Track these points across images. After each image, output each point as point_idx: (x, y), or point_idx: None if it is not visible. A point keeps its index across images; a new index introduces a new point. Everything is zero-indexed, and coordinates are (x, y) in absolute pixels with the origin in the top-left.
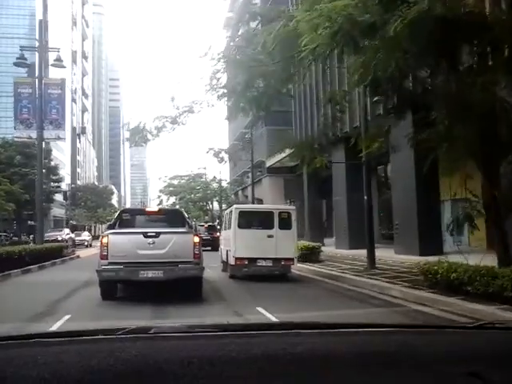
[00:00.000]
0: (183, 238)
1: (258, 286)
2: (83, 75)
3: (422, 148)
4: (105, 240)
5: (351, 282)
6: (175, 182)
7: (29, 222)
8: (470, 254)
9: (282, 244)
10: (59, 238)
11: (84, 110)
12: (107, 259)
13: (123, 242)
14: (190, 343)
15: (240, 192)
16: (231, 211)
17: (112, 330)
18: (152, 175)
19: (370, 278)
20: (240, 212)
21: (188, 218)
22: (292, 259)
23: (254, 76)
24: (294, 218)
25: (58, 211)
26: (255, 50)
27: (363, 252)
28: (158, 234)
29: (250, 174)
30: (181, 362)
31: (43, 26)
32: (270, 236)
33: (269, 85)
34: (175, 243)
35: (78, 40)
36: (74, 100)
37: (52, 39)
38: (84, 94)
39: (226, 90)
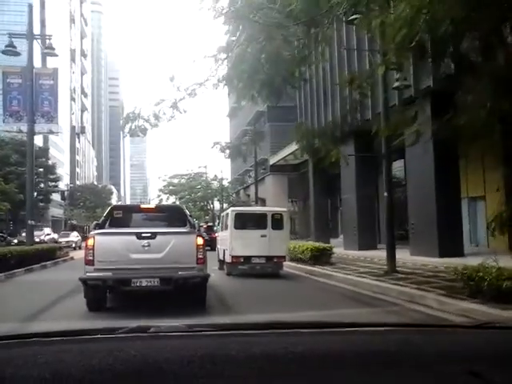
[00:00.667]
0: (184, 239)
1: (266, 293)
2: (82, 74)
3: (449, 137)
4: (90, 242)
5: (373, 289)
6: (175, 181)
7: (29, 222)
8: (491, 255)
9: (275, 243)
10: (37, 240)
11: (83, 109)
12: (93, 265)
13: (112, 245)
14: (190, 342)
15: (242, 191)
16: (227, 213)
17: (112, 329)
18: (152, 175)
19: (395, 284)
20: (236, 214)
21: (190, 215)
22: (284, 257)
23: (268, 49)
24: (285, 219)
25: (56, 211)
26: (273, 8)
27: (375, 253)
28: (154, 235)
29: (252, 173)
30: (181, 362)
31: (30, 13)
32: (263, 236)
33: (281, 67)
34: (175, 246)
35: (76, 38)
36: (73, 99)
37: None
38: (83, 92)
39: (231, 69)
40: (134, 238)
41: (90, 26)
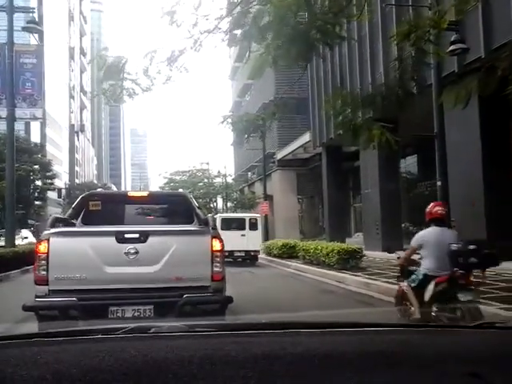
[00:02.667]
0: (192, 242)
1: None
2: (81, 72)
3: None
4: (42, 248)
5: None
6: (177, 177)
7: (29, 221)
8: None
9: (252, 241)
10: None
11: (82, 107)
12: (47, 284)
13: (77, 252)
14: (190, 343)
15: (246, 188)
16: (215, 218)
17: (112, 329)
18: (153, 174)
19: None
20: (222, 219)
21: (199, 207)
22: (258, 251)
23: None
24: (259, 222)
25: (54, 210)
26: None
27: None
28: (144, 236)
29: (256, 169)
30: (180, 362)
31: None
32: (243, 235)
33: (313, 18)
34: (177, 253)
35: (75, 36)
36: (72, 97)
37: (47, 34)
38: (82, 90)
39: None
40: (111, 240)
41: (90, 25)
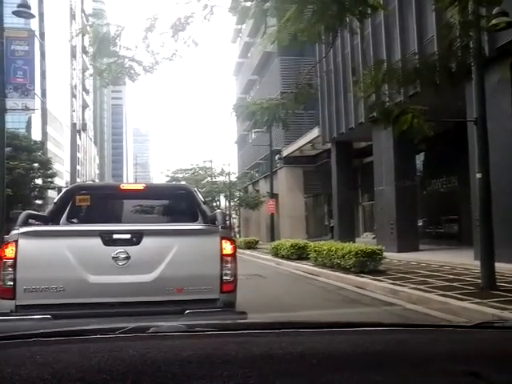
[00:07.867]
0: (196, 244)
1: None
2: (83, 70)
3: None
4: (8, 252)
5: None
6: (179, 175)
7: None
8: None
9: None
10: None
11: (85, 106)
12: (13, 298)
13: (54, 257)
14: (190, 342)
15: (250, 187)
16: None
17: (111, 329)
18: (156, 174)
19: None
20: None
21: (205, 202)
22: None
23: None
24: None
25: None
26: None
27: (423, 256)
28: (136, 237)
29: (261, 167)
30: (180, 362)
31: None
32: None
33: None
34: (178, 258)
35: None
36: (74, 96)
37: (48, 32)
38: (85, 89)
39: None
40: (97, 242)
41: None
